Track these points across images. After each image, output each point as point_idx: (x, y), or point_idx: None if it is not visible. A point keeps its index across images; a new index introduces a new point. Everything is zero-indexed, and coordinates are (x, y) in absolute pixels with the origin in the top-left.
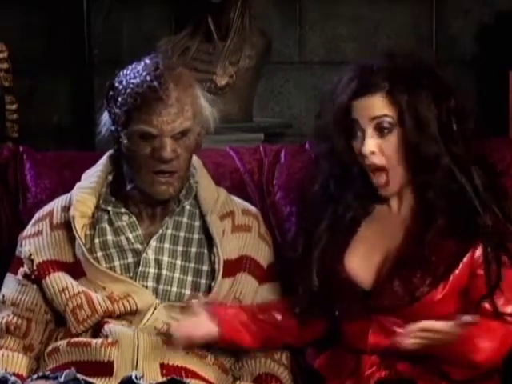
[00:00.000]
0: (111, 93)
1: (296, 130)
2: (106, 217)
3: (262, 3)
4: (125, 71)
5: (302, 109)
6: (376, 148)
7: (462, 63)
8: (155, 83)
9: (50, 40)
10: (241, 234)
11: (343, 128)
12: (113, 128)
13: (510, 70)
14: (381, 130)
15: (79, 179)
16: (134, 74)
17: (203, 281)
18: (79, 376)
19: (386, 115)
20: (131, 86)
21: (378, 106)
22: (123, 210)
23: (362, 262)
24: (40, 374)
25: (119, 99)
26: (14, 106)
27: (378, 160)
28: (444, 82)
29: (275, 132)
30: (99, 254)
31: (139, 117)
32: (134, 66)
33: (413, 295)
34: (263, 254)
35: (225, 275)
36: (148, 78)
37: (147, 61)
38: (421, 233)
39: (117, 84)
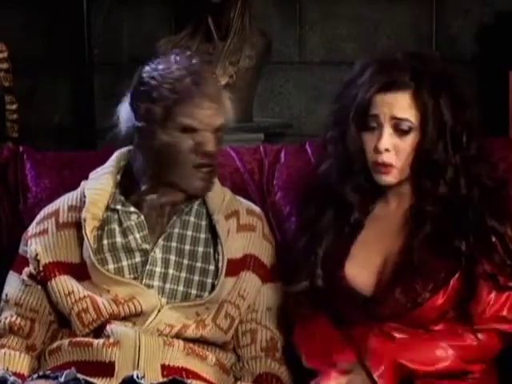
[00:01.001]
0: (142, 88)
1: (296, 130)
2: (115, 216)
3: (262, 3)
4: (154, 66)
5: (302, 109)
6: (391, 146)
7: (462, 63)
8: (197, 78)
9: (50, 40)
10: (245, 234)
11: (360, 120)
12: (140, 124)
13: (510, 70)
14: (399, 130)
15: (79, 179)
16: (168, 68)
17: (209, 280)
18: (80, 376)
19: (407, 119)
20: (170, 80)
21: (401, 105)
22: (132, 209)
23: (362, 269)
24: (40, 373)
25: (154, 94)
26: (14, 106)
27: (389, 158)
28: (463, 93)
29: (275, 132)
30: (107, 254)
31: (181, 111)
32: (163, 60)
33: (415, 301)
34: (267, 254)
35: (228, 274)
36: (186, 72)
37: (177, 57)
38: (411, 238)
39: (147, 79)
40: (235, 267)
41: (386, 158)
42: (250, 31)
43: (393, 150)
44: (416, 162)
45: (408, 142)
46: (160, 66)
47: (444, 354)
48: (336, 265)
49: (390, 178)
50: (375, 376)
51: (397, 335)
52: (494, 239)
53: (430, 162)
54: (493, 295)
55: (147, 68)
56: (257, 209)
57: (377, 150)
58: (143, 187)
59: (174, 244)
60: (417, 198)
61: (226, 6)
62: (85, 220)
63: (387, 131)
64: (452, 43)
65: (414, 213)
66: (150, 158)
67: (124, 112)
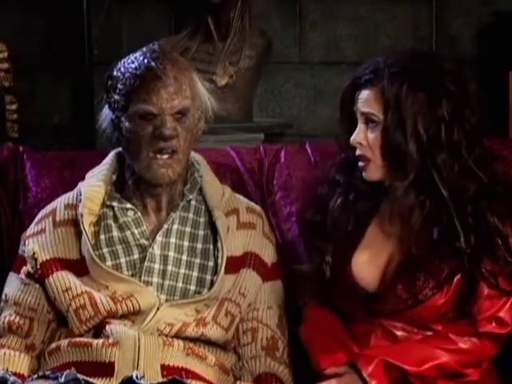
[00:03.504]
0: (110, 82)
1: (296, 129)
2: (110, 213)
3: (261, 3)
4: (122, 60)
5: (302, 109)
6: (363, 140)
7: (462, 63)
8: (153, 64)
9: (49, 40)
10: (246, 232)
11: (345, 120)
12: (113, 116)
13: (510, 70)
14: (369, 124)
15: (79, 179)
16: (131, 60)
17: (208, 276)
18: (80, 376)
19: (372, 113)
20: (130, 70)
21: (368, 101)
22: (129, 205)
23: (367, 265)
24: (40, 373)
25: (118, 86)
26: (14, 106)
27: (361, 151)
28: (443, 88)
29: (275, 132)
30: (105, 250)
31: (139, 97)
32: (131, 54)
33: (416, 299)
34: (267, 252)
35: (228, 271)
36: (146, 60)
37: (144, 49)
38: (412, 236)
39: (115, 73)
40: (235, 265)
41: (361, 151)
42: (250, 31)
43: (367, 145)
44: (385, 156)
45: (375, 135)
46: (126, 59)
47: (434, 354)
48: (343, 260)
49: (368, 174)
50: (365, 375)
51: (399, 334)
52: (495, 237)
53: (393, 151)
54: (491, 300)
55: (118, 62)
56: (257, 207)
57: (349, 145)
58: (129, 182)
59: (172, 240)
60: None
61: (226, 6)
62: (82, 215)
63: (360, 126)
64: (452, 43)
65: (400, 209)
66: (124, 151)
67: (105, 109)
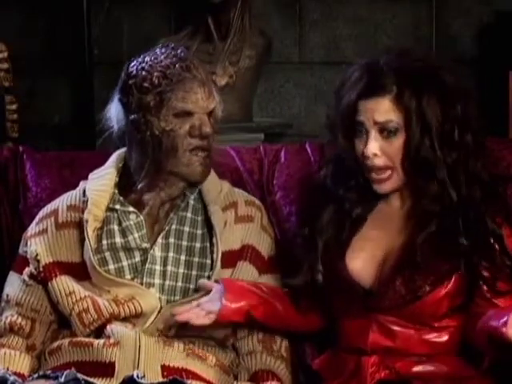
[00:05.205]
0: (130, 81)
1: (296, 129)
2: (115, 215)
3: (261, 3)
4: (140, 59)
5: (302, 109)
6: (378, 150)
7: (462, 63)
8: (187, 63)
9: (50, 40)
10: (244, 225)
11: (348, 126)
12: (132, 117)
13: (510, 70)
14: (385, 133)
15: (79, 179)
16: (156, 59)
17: (206, 274)
18: (80, 376)
19: (390, 121)
20: (160, 68)
21: (383, 110)
22: (131, 209)
23: (363, 261)
24: (40, 373)
25: (145, 84)
26: (14, 106)
27: (380, 161)
28: (452, 89)
29: (275, 132)
30: (107, 253)
31: (175, 96)
32: (149, 54)
33: (415, 294)
34: (265, 245)
35: (225, 266)
36: (175, 59)
37: (162, 49)
38: (416, 235)
39: (135, 72)
40: (232, 258)
41: (377, 161)
42: (250, 31)
43: (382, 155)
44: (407, 163)
45: (395, 145)
46: (147, 58)
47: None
48: (337, 257)
49: (387, 185)
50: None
51: (395, 328)
52: (492, 241)
53: (419, 160)
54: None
55: (133, 63)
56: (256, 200)
57: (364, 156)
58: (140, 185)
59: (172, 240)
60: (416, 198)
61: (226, 5)
62: (87, 221)
63: (373, 136)
64: (452, 43)
65: (418, 212)
66: (146, 152)
67: (114, 111)
